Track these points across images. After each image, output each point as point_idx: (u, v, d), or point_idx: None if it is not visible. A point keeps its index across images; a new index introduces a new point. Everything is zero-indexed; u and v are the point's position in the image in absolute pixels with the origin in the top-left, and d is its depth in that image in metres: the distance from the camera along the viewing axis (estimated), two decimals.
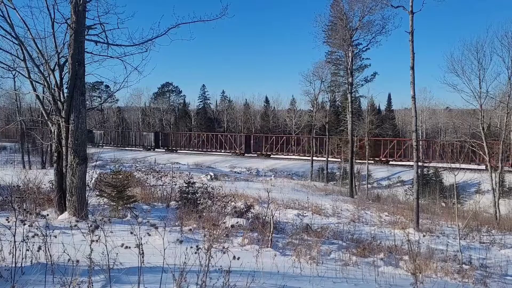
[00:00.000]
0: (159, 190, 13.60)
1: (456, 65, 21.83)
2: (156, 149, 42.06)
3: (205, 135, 41.91)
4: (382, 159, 32.13)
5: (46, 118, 9.14)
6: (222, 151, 39.37)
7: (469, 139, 23.45)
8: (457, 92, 21.85)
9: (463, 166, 21.12)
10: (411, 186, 22.57)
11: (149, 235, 4.93)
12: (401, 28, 23.93)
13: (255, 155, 37.73)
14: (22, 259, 4.23)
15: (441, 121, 52.65)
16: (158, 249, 4.08)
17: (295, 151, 36.51)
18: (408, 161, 29.76)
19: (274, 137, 38.81)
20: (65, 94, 8.69)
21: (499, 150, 22.05)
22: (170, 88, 67.07)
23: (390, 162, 31.94)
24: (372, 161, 31.38)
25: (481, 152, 21.66)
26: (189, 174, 14.24)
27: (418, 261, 6.10)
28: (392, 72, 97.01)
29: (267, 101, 62.02)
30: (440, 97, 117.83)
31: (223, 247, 4.67)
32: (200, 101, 64.91)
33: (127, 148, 43.21)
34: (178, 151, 41.21)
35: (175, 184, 13.18)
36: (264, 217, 9.19)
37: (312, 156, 31.51)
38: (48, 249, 4.31)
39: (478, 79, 21.41)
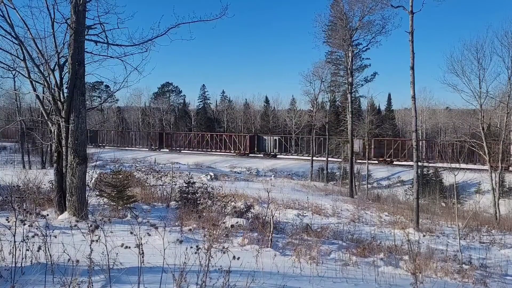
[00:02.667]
0: (159, 190, 13.60)
1: (456, 65, 21.83)
2: (161, 149, 41.61)
3: (209, 135, 41.43)
4: (387, 159, 32.07)
5: (46, 118, 9.14)
6: (227, 151, 38.82)
7: (469, 139, 23.44)
8: (457, 92, 21.85)
9: (463, 166, 21.12)
10: (411, 186, 22.57)
11: (149, 235, 4.93)
12: (401, 28, 23.95)
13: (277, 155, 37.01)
14: (22, 259, 4.23)
15: (441, 121, 52.62)
16: (158, 249, 4.08)
17: (297, 152, 36.59)
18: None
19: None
20: (65, 94, 8.69)
21: (499, 150, 22.04)
22: (170, 88, 67.10)
23: (394, 163, 31.73)
24: (376, 161, 31.38)
25: (481, 152, 21.65)
26: (189, 174, 14.22)
27: (418, 261, 6.10)
28: (392, 72, 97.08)
29: (267, 101, 62.05)
30: (440, 97, 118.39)
31: (223, 247, 4.67)
32: (200, 101, 64.97)
33: (135, 148, 42.84)
34: (181, 151, 40.85)
35: (175, 184, 13.17)
36: (264, 217, 9.19)
37: (312, 156, 31.52)
38: (48, 249, 4.31)
39: (478, 79, 21.43)
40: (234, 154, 38.03)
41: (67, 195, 8.36)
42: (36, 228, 4.80)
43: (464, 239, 10.67)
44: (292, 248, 6.67)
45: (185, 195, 10.73)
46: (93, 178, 11.39)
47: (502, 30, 26.66)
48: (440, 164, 26.67)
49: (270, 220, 7.52)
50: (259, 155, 37.30)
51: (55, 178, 8.83)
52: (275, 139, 37.39)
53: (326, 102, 39.71)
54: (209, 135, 41.55)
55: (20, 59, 9.11)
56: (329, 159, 31.18)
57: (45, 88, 9.34)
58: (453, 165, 19.13)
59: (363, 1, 23.38)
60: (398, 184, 27.93)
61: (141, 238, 3.87)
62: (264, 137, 38.92)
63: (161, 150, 41.78)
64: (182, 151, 40.86)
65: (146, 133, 45.62)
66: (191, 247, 3.90)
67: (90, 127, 43.68)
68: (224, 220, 8.31)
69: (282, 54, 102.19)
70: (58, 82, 8.81)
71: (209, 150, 40.04)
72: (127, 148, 43.27)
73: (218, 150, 39.35)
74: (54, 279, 3.92)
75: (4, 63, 9.87)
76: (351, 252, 6.96)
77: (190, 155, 38.58)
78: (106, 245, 3.94)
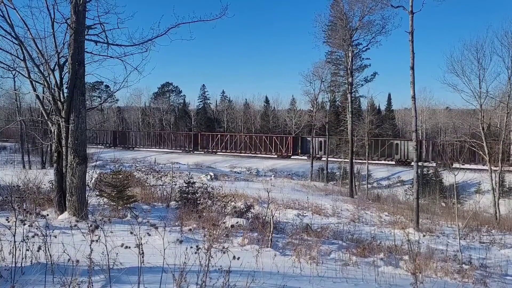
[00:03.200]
0: (159, 190, 13.60)
1: (456, 65, 21.85)
2: (195, 151, 40.55)
3: (247, 136, 39.86)
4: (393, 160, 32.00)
5: (46, 118, 9.14)
6: (267, 153, 37.45)
7: (469, 139, 23.45)
8: (457, 92, 21.86)
9: (463, 166, 21.12)
10: (411, 186, 22.57)
11: (149, 235, 4.92)
12: (401, 28, 24.02)
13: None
14: (22, 259, 4.23)
15: (441, 121, 52.60)
16: (158, 249, 4.08)
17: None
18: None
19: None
20: (65, 94, 8.69)
21: (499, 150, 22.05)
22: (170, 88, 67.05)
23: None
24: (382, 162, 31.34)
25: (481, 152, 21.66)
26: (189, 174, 14.23)
27: (418, 261, 6.11)
28: (392, 72, 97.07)
29: (267, 101, 62.03)
30: (440, 97, 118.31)
31: (223, 247, 4.67)
32: (200, 101, 64.94)
33: (166, 150, 41.73)
34: (217, 152, 39.34)
35: (175, 184, 13.17)
36: (264, 217, 9.19)
37: (312, 156, 31.51)
38: (48, 249, 4.31)
39: (478, 79, 21.44)
40: (275, 156, 36.40)
41: (67, 195, 8.36)
42: (36, 228, 4.80)
43: (464, 239, 10.67)
44: (292, 248, 6.67)
45: (185, 195, 10.73)
46: (93, 178, 11.39)
47: (502, 30, 26.71)
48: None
49: (270, 220, 7.52)
50: (302, 158, 35.49)
51: (55, 178, 8.83)
52: (320, 141, 35.18)
53: (326, 102, 39.73)
54: (247, 136, 40.03)
55: (20, 59, 9.11)
56: (329, 159, 31.19)
57: (45, 88, 9.33)
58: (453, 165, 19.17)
59: (363, 1, 23.41)
60: (398, 184, 27.94)
61: (141, 238, 3.87)
62: (308, 138, 36.33)
63: (195, 152, 40.06)
64: (218, 153, 39.31)
65: (184, 135, 43.51)
66: (191, 247, 3.90)
67: (90, 127, 43.64)
68: (224, 220, 8.31)
69: (282, 54, 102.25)
70: (58, 82, 8.81)
71: (248, 152, 38.24)
72: (162, 149, 41.73)
73: (258, 152, 37.57)
74: (54, 279, 3.92)
75: (4, 63, 9.87)
76: (351, 252, 6.96)
77: (223, 156, 37.52)
78: (106, 245, 3.94)
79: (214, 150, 39.66)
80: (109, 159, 29.32)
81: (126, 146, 43.79)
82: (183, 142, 41.70)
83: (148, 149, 42.23)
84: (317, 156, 33.92)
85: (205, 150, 40.09)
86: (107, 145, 44.32)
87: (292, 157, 36.37)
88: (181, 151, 40.95)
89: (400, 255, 7.03)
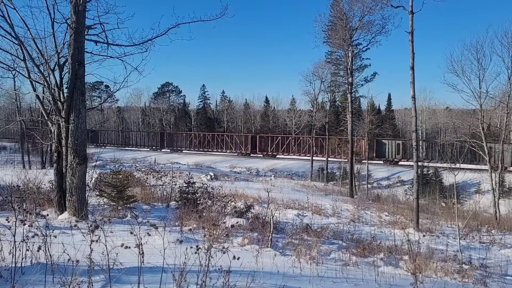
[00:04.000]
0: (159, 190, 13.60)
1: (456, 65, 21.84)
2: (251, 155, 38.38)
3: (321, 138, 35.47)
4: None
5: (46, 118, 9.14)
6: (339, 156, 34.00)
7: (469, 139, 23.45)
8: (457, 92, 21.85)
9: (463, 166, 21.10)
10: (411, 186, 22.57)
11: (149, 235, 4.92)
12: (401, 28, 23.93)
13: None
14: (22, 259, 4.23)
15: (441, 121, 52.56)
16: (158, 249, 4.08)
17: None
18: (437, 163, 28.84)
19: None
20: (65, 94, 8.68)
21: (499, 150, 22.05)
22: (170, 88, 67.05)
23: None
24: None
25: (481, 152, 21.66)
26: (189, 174, 14.23)
27: (418, 261, 6.10)
28: (392, 72, 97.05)
29: (267, 101, 62.04)
30: (440, 97, 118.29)
31: (223, 247, 4.67)
32: (200, 101, 64.97)
33: (184, 151, 40.84)
34: (277, 156, 36.60)
35: (175, 184, 13.17)
36: (264, 217, 9.19)
37: (312, 156, 31.50)
38: (48, 249, 4.31)
39: (478, 79, 21.42)
40: (346, 160, 29.88)
41: (67, 195, 8.36)
42: (36, 228, 4.79)
43: (464, 239, 10.67)
44: (292, 248, 6.67)
45: (185, 195, 10.73)
46: (93, 178, 11.39)
47: (502, 30, 26.68)
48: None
49: (270, 220, 7.52)
50: (378, 162, 31.98)
51: (55, 178, 8.83)
52: (398, 143, 32.27)
53: (326, 102, 39.71)
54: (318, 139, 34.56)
55: (20, 59, 9.11)
56: (329, 159, 31.17)
57: (45, 88, 9.33)
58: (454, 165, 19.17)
59: (363, 1, 23.40)
60: (398, 184, 27.93)
61: (141, 238, 3.87)
62: (383, 141, 32.73)
63: (251, 155, 36.42)
64: (277, 156, 36.32)
65: (242, 137, 39.55)
66: (191, 247, 3.89)
67: (90, 127, 43.50)
68: (224, 220, 8.31)
69: (282, 54, 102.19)
70: (58, 82, 8.81)
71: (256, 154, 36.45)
72: (213, 152, 39.69)
73: (326, 155, 32.84)
74: (54, 279, 3.92)
75: (4, 63, 9.88)
76: (351, 252, 6.96)
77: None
78: (106, 245, 3.94)
79: (274, 153, 35.88)
80: (109, 159, 29.32)
81: (174, 149, 41.39)
82: (240, 145, 38.33)
83: (198, 153, 39.53)
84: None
85: (264, 153, 36.56)
86: (153, 147, 42.66)
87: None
88: (236, 154, 37.79)
89: (400, 255, 7.03)
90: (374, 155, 32.13)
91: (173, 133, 45.94)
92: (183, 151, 40.78)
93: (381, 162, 32.19)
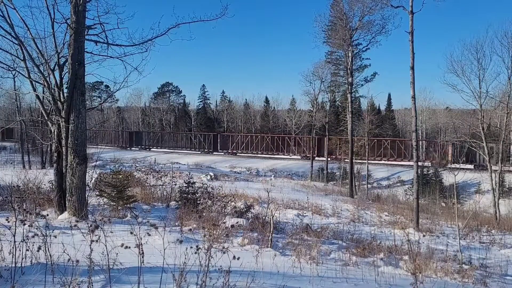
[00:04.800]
0: (159, 190, 13.59)
1: (456, 65, 21.82)
2: (214, 152, 38.18)
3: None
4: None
5: (46, 118, 9.15)
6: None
7: (469, 139, 23.44)
8: (457, 92, 21.83)
9: (463, 166, 21.08)
10: (411, 186, 22.57)
11: (149, 235, 4.93)
12: (401, 28, 23.86)
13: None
14: (22, 259, 4.23)
15: (441, 121, 52.53)
16: (158, 249, 4.08)
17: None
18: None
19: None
20: (65, 94, 8.69)
21: (499, 150, 22.04)
22: (170, 88, 67.02)
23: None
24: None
25: (481, 152, 21.64)
26: (189, 174, 14.22)
27: (418, 261, 6.11)
28: (392, 72, 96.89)
29: (267, 101, 61.97)
30: (440, 97, 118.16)
31: (223, 247, 4.67)
32: (200, 101, 64.93)
33: (279, 156, 36.54)
34: (346, 159, 31.02)
35: (175, 184, 13.17)
36: (264, 217, 9.19)
37: (312, 156, 31.48)
38: (48, 249, 4.31)
39: (478, 79, 21.42)
40: (346, 160, 27.71)
41: (67, 195, 8.36)
42: (36, 228, 4.80)
43: (464, 239, 10.67)
44: (292, 248, 6.67)
45: (185, 195, 10.73)
46: (93, 178, 11.39)
47: (502, 30, 26.62)
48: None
49: (270, 220, 7.52)
50: (379, 162, 30.43)
51: (55, 178, 8.83)
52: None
53: (326, 102, 39.70)
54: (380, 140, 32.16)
55: (20, 59, 9.11)
56: (329, 159, 31.15)
57: (45, 88, 9.33)
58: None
59: (363, 1, 23.38)
60: (398, 184, 27.92)
61: (141, 238, 3.87)
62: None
63: (315, 158, 31.73)
64: (346, 160, 30.63)
65: (305, 139, 35.63)
66: (191, 247, 3.90)
67: (90, 127, 43.34)
68: (224, 220, 8.32)
69: (282, 54, 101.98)
70: (58, 82, 8.81)
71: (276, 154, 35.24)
72: (274, 156, 36.26)
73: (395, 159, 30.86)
74: (54, 279, 3.92)
75: (4, 63, 9.89)
76: (351, 252, 6.96)
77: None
78: (106, 245, 3.94)
79: (339, 157, 31.37)
80: (109, 159, 29.31)
81: (228, 152, 38.08)
82: (303, 148, 35.21)
83: (256, 156, 35.98)
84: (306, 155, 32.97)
85: (331, 156, 32.04)
86: (196, 149, 39.76)
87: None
88: (300, 157, 34.89)
89: (400, 255, 7.03)
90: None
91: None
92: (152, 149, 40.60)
93: (381, 162, 31.69)
